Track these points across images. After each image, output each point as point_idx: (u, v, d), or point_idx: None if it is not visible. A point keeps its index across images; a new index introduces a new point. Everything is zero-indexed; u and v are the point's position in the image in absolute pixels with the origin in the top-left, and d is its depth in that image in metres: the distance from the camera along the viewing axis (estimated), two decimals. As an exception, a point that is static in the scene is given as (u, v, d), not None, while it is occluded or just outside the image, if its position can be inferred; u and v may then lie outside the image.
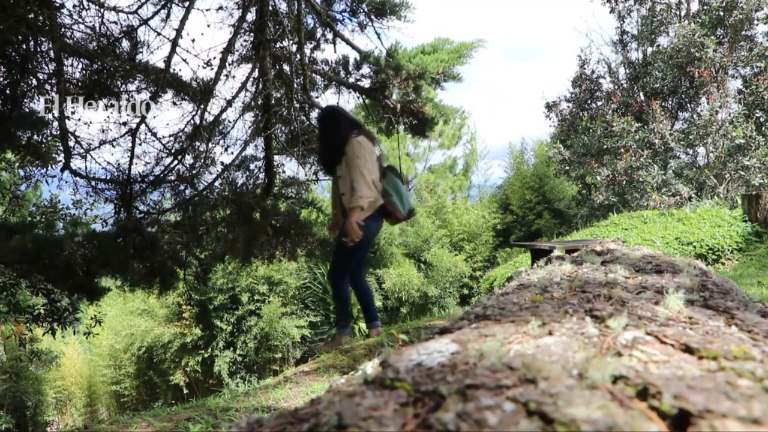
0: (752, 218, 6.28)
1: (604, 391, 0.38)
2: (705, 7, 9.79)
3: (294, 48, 4.27)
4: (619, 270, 1.05)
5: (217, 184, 4.40)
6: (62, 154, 3.83)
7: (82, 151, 3.89)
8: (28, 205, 6.08)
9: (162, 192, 4.32)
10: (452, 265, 10.46)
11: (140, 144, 4.01)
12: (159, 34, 3.77)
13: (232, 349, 8.51)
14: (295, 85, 4.40)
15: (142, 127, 3.95)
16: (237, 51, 4.15)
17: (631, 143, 9.44)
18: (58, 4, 3.28)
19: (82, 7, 3.47)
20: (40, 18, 3.02)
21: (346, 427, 0.36)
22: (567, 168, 11.18)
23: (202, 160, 4.22)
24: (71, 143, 3.78)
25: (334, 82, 4.81)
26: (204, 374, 8.53)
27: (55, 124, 3.57)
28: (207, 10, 3.93)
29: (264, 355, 8.61)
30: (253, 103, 4.36)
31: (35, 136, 3.66)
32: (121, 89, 3.65)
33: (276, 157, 4.67)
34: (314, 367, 2.77)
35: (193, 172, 4.20)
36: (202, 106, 3.99)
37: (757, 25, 9.63)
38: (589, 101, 11.25)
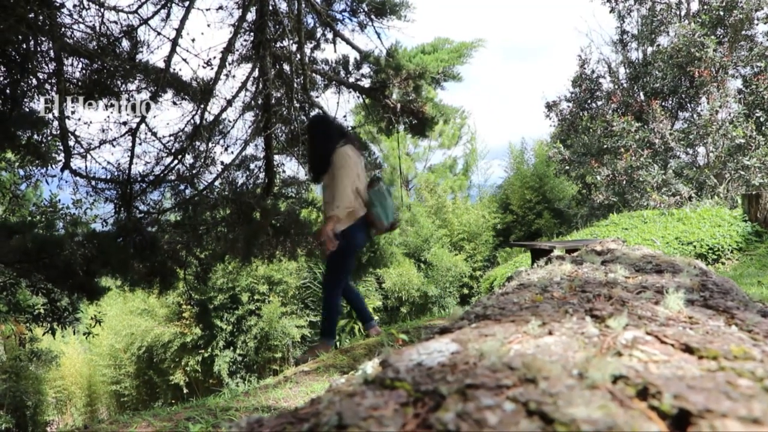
0: (752, 218, 6.28)
1: (604, 390, 0.38)
2: (705, 7, 9.79)
3: (294, 48, 4.27)
4: (619, 270, 1.05)
5: (217, 183, 4.40)
6: (62, 154, 3.83)
7: (82, 150, 3.89)
8: (28, 205, 6.08)
9: (162, 192, 4.33)
10: (452, 264, 10.47)
11: (140, 144, 4.01)
12: (159, 33, 3.78)
13: (232, 348, 8.50)
14: (295, 85, 4.40)
15: (142, 126, 3.95)
16: (237, 50, 4.15)
17: (631, 143, 9.43)
18: (58, 4, 3.28)
19: (82, 6, 3.47)
20: (40, 18, 3.02)
21: (346, 427, 0.36)
22: (567, 168, 11.18)
23: (202, 160, 4.22)
24: (71, 143, 3.77)
25: (334, 82, 4.81)
26: (204, 374, 8.53)
27: (55, 123, 3.57)
28: (207, 9, 3.93)
29: (264, 355, 8.61)
30: (253, 102, 4.36)
31: (35, 136, 3.67)
32: (121, 89, 3.65)
33: (276, 157, 4.67)
34: (314, 367, 2.77)
35: (193, 171, 4.20)
36: (202, 106, 3.99)
37: (757, 24, 9.62)
38: (589, 101, 11.24)
